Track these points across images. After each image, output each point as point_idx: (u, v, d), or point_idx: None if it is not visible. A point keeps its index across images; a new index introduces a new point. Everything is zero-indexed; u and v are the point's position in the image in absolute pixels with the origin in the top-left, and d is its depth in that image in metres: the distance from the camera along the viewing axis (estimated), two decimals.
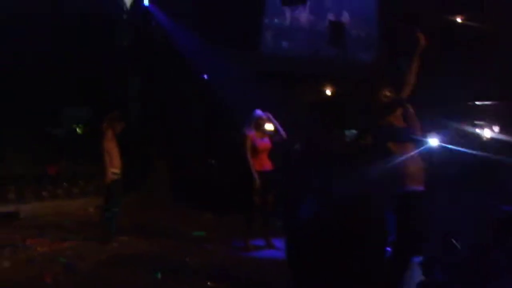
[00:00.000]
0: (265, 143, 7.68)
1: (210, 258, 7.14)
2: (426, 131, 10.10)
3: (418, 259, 5.68)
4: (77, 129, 11.99)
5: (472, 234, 5.59)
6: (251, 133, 7.63)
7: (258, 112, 7.73)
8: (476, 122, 14.49)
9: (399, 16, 12.38)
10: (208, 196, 10.11)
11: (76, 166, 11.07)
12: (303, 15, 13.87)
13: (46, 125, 11.93)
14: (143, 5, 12.48)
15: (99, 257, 7.08)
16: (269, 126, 7.77)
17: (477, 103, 13.92)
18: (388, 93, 4.87)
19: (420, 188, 4.78)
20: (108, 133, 7.81)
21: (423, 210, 4.96)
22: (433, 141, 9.81)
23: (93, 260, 6.91)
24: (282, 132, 7.76)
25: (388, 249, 7.35)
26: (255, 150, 7.59)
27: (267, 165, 7.68)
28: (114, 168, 7.78)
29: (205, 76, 12.56)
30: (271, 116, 7.78)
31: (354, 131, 12.97)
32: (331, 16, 13.33)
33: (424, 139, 4.99)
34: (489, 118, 14.17)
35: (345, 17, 14.16)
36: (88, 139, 10.91)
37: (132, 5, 12.31)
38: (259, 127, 7.68)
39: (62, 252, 7.26)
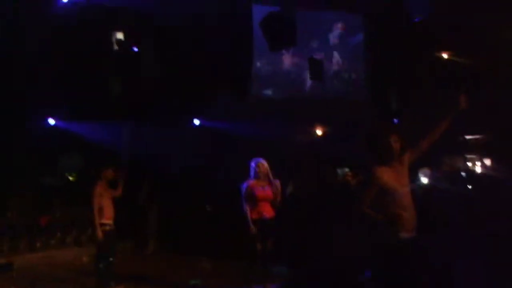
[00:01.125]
0: (265, 192, 7.55)
1: None
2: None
3: None
4: (70, 178, 11.93)
5: None
6: (251, 182, 7.55)
7: (259, 160, 7.67)
8: (468, 156, 14.60)
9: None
10: (204, 243, 10.05)
11: (70, 214, 10.99)
12: (290, 59, 14.02)
13: (39, 174, 11.84)
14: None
15: None
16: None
17: (467, 137, 14.06)
18: (395, 138, 4.80)
19: (414, 234, 4.76)
20: (96, 188, 7.71)
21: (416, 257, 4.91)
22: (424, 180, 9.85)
23: None
24: (275, 183, 7.62)
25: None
26: (255, 199, 7.48)
27: (267, 213, 7.52)
28: (106, 219, 7.67)
29: (198, 122, 12.63)
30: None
31: (346, 169, 13.05)
32: (317, 55, 13.47)
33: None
34: (480, 151, 14.29)
35: (336, 57, 14.33)
36: (82, 187, 10.85)
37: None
38: (258, 175, 7.58)
39: None
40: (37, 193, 11.19)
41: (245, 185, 7.54)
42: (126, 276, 8.53)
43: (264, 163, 7.63)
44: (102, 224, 7.64)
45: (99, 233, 7.57)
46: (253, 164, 7.64)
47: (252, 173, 7.60)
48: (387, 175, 4.81)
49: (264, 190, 7.53)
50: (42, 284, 8.22)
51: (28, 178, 11.27)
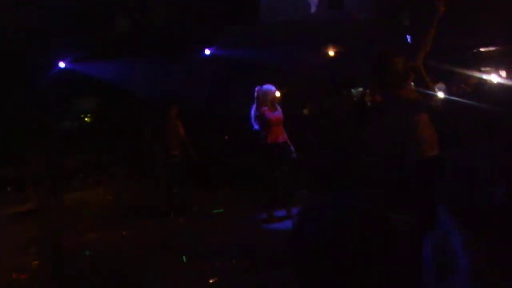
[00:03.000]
0: (277, 116, 7.65)
1: (233, 235, 7.18)
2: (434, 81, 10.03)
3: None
4: (86, 119, 11.98)
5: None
6: (264, 109, 7.59)
7: (270, 87, 7.68)
8: (483, 68, 14.43)
9: None
10: (224, 172, 10.13)
11: (88, 156, 11.08)
12: None
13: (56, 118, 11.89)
14: None
15: (124, 245, 7.14)
16: (277, 93, 7.77)
17: (482, 49, 13.85)
18: (402, 60, 4.77)
19: (436, 152, 4.74)
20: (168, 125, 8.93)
21: (440, 174, 4.92)
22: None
23: (117, 250, 6.97)
24: None
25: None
26: (269, 124, 7.57)
27: (282, 137, 7.67)
28: (175, 151, 8.78)
29: (209, 52, 12.48)
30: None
31: (361, 89, 12.99)
32: None
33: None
34: (495, 63, 14.11)
35: None
36: (96, 129, 10.92)
37: None
38: (273, 102, 7.65)
39: (86, 245, 7.30)
40: (55, 137, 11.24)
41: (255, 111, 7.61)
42: (149, 210, 8.75)
43: (275, 90, 7.67)
44: (172, 155, 8.62)
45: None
46: (267, 92, 7.64)
47: (266, 101, 7.61)
48: (402, 95, 4.79)
49: (275, 114, 7.62)
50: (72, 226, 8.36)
51: (44, 123, 11.30)
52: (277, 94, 7.74)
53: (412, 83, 4.90)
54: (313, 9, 13.80)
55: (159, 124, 9.08)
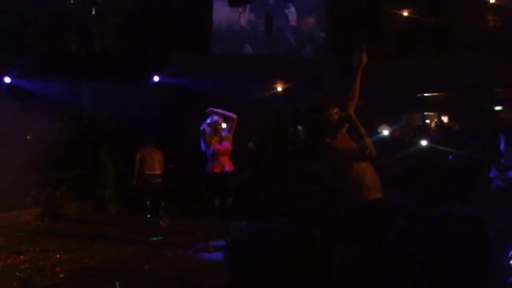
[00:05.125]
0: (224, 146, 7.73)
1: (170, 264, 7.13)
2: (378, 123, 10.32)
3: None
4: (28, 137, 11.70)
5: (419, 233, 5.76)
6: (212, 139, 7.70)
7: (214, 118, 7.76)
8: (426, 113, 14.87)
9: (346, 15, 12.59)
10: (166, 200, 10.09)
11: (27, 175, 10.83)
12: (248, 16, 13.94)
13: None
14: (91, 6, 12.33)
15: (55, 269, 6.95)
16: (223, 125, 7.85)
17: (426, 94, 14.30)
18: (336, 110, 4.87)
19: (379, 195, 4.83)
20: None
21: (384, 216, 5.02)
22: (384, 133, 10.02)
23: (50, 273, 6.79)
24: (230, 114, 7.82)
25: None
26: (215, 154, 7.67)
27: (227, 166, 7.75)
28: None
29: (156, 79, 12.49)
30: (217, 110, 7.83)
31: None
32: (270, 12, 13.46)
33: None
34: (438, 108, 14.58)
35: (291, 12, 14.24)
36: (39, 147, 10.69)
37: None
38: (217, 132, 7.73)
39: (18, 266, 7.10)
40: None
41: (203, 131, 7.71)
42: (86, 236, 8.58)
43: (219, 120, 7.77)
44: None
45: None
46: (208, 121, 7.74)
47: (208, 130, 7.70)
48: (337, 143, 4.89)
49: (222, 145, 7.73)
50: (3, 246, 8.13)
51: None
52: (223, 125, 7.83)
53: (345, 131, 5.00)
54: (264, 41, 14.01)
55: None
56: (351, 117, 4.82)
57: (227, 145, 7.77)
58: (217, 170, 7.68)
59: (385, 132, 10.61)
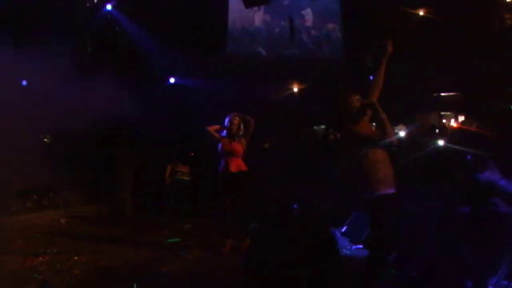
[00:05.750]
0: (233, 146, 7.73)
1: (187, 266, 7.12)
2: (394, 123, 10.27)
3: (391, 256, 5.82)
4: (45, 139, 11.76)
5: (436, 232, 5.76)
6: (222, 138, 7.78)
7: (229, 117, 7.82)
8: (442, 112, 14.77)
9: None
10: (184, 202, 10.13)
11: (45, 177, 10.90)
12: (263, 16, 13.92)
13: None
14: (105, 10, 12.35)
15: (73, 271, 6.97)
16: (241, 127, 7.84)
17: (442, 94, 14.21)
18: (358, 97, 4.94)
19: (391, 190, 4.83)
20: None
21: (395, 211, 5.04)
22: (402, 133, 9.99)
23: (68, 275, 6.81)
24: (249, 118, 7.85)
25: (360, 246, 7.49)
26: (223, 153, 7.74)
27: (235, 167, 7.70)
28: None
29: (171, 80, 12.49)
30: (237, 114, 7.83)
31: (322, 127, 13.14)
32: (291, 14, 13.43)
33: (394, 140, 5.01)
34: (454, 108, 14.47)
35: (308, 13, 14.21)
36: (56, 149, 10.74)
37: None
38: (232, 130, 7.76)
39: (36, 268, 7.12)
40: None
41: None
42: (104, 239, 8.60)
43: (233, 119, 7.79)
44: None
45: None
46: (226, 123, 7.81)
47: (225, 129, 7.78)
48: (358, 129, 4.91)
49: (231, 145, 7.72)
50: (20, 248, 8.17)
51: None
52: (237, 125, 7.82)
53: (368, 120, 5.03)
54: (280, 42, 13.99)
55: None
56: (373, 103, 4.87)
57: (237, 146, 7.73)
58: (224, 170, 7.68)
59: (402, 134, 10.56)
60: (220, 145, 7.74)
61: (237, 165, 7.72)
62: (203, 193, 10.27)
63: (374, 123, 5.31)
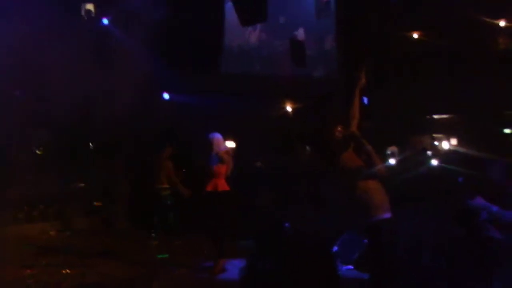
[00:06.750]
0: (218, 166, 7.64)
1: (177, 282, 7.08)
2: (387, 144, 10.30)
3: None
4: (37, 151, 11.71)
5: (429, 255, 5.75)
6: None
7: (213, 135, 7.76)
8: (435, 135, 14.80)
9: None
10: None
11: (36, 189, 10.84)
12: (259, 34, 13.98)
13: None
14: (102, 23, 12.36)
15: (61, 284, 6.92)
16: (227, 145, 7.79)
17: (435, 116, 14.27)
18: (340, 129, 4.93)
19: (387, 215, 4.81)
20: None
21: (393, 235, 5.00)
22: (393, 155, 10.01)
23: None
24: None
25: (350, 267, 7.47)
26: (211, 173, 7.64)
27: (220, 186, 7.64)
28: None
29: (165, 97, 12.51)
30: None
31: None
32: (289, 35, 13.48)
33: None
34: (447, 130, 14.51)
35: (302, 32, 14.27)
36: (48, 161, 10.72)
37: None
38: (212, 150, 7.67)
39: (24, 280, 7.06)
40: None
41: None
42: (93, 254, 8.54)
43: (214, 138, 7.72)
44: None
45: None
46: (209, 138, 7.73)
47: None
48: (344, 161, 4.90)
49: (217, 165, 7.63)
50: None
51: None
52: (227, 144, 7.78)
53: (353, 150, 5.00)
54: (275, 60, 14.02)
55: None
56: (354, 135, 4.85)
57: (221, 165, 7.64)
58: (210, 188, 7.60)
59: (392, 162, 10.51)
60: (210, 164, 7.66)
61: (224, 184, 7.66)
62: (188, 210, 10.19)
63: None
